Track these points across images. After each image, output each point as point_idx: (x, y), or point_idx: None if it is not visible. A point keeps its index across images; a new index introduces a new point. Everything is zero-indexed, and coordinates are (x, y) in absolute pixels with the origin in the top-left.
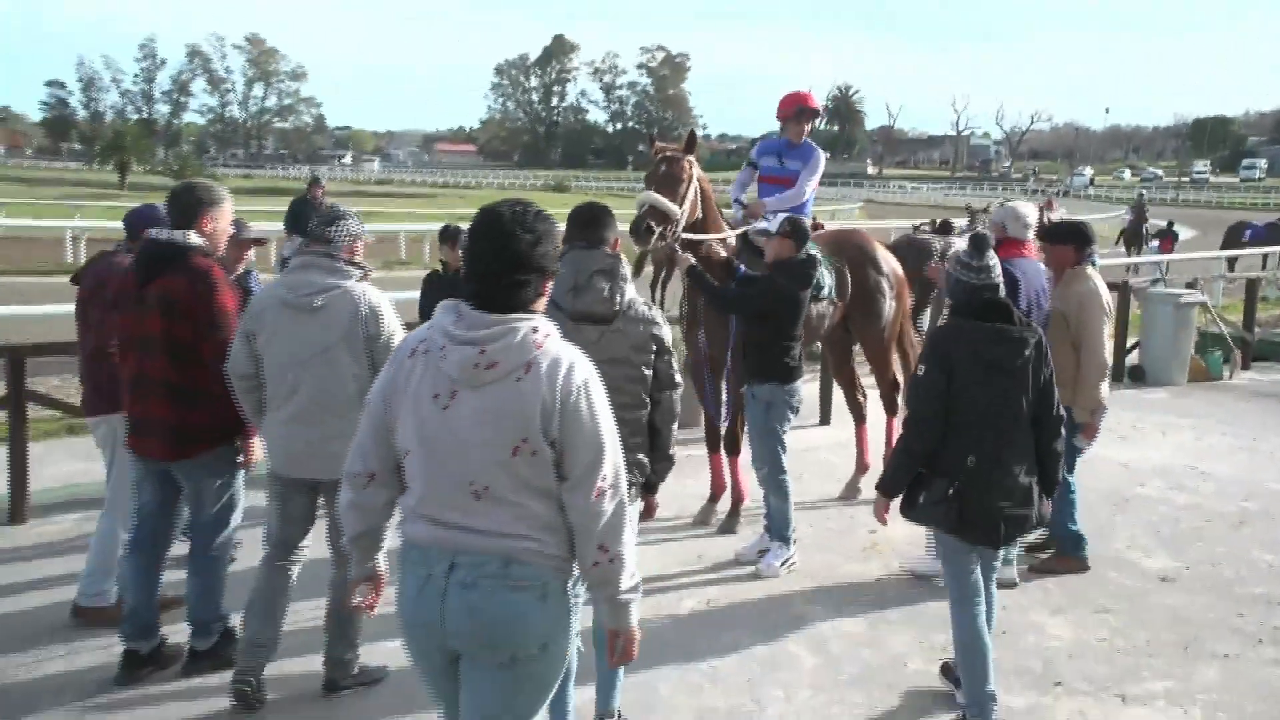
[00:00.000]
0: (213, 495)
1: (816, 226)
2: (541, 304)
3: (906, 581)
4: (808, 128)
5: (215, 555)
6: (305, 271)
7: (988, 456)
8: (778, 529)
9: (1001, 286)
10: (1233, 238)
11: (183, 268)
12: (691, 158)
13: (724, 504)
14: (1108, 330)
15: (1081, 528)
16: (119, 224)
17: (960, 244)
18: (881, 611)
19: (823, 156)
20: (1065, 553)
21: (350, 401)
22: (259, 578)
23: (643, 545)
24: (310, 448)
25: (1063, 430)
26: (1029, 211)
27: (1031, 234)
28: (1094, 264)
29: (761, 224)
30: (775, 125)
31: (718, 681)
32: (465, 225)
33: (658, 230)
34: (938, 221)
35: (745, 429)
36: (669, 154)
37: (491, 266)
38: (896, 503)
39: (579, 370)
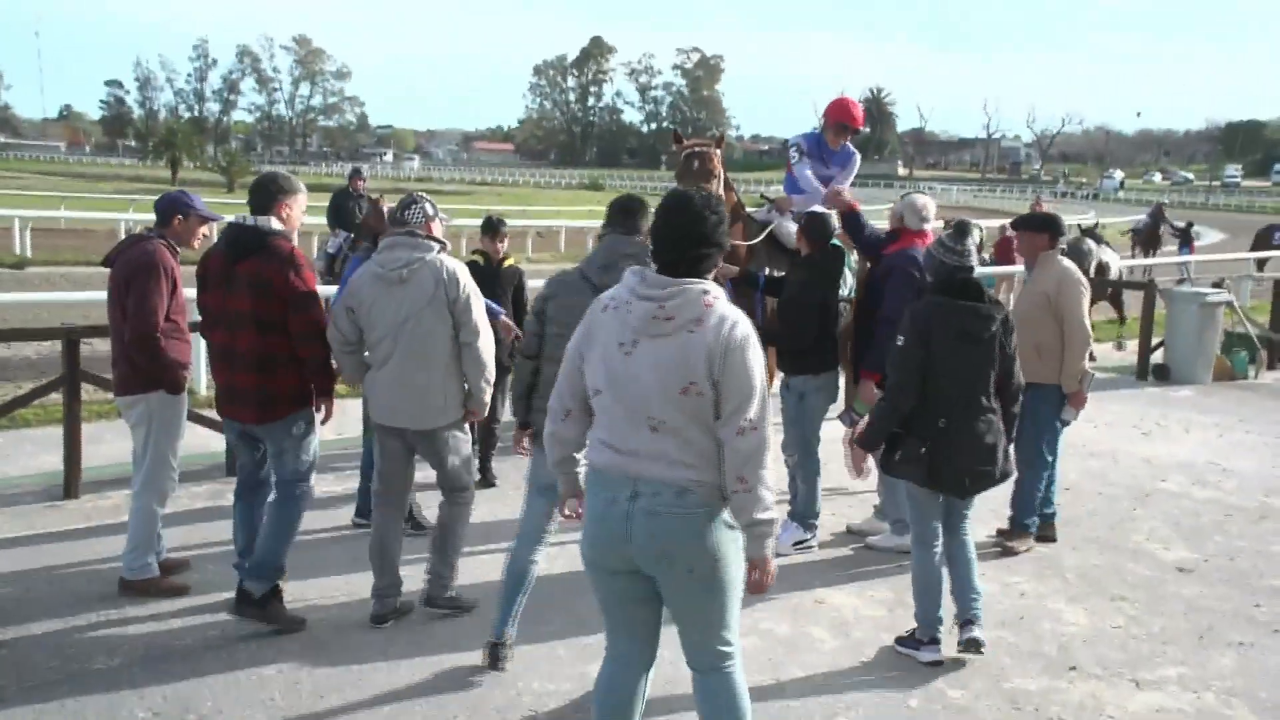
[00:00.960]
0: (293, 453)
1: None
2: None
3: None
4: (846, 140)
5: (291, 507)
6: (392, 250)
7: (957, 419)
8: (802, 513)
9: (976, 269)
10: (1262, 240)
11: (268, 251)
12: (718, 152)
13: None
14: (1085, 303)
15: (1055, 508)
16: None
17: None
18: (901, 597)
19: (858, 158)
20: (1027, 529)
21: (438, 358)
22: (374, 525)
23: None
24: (403, 401)
25: (1021, 398)
26: (926, 204)
27: (929, 225)
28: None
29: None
30: (803, 128)
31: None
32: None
33: None
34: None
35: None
36: (699, 149)
37: (681, 241)
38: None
39: (740, 327)
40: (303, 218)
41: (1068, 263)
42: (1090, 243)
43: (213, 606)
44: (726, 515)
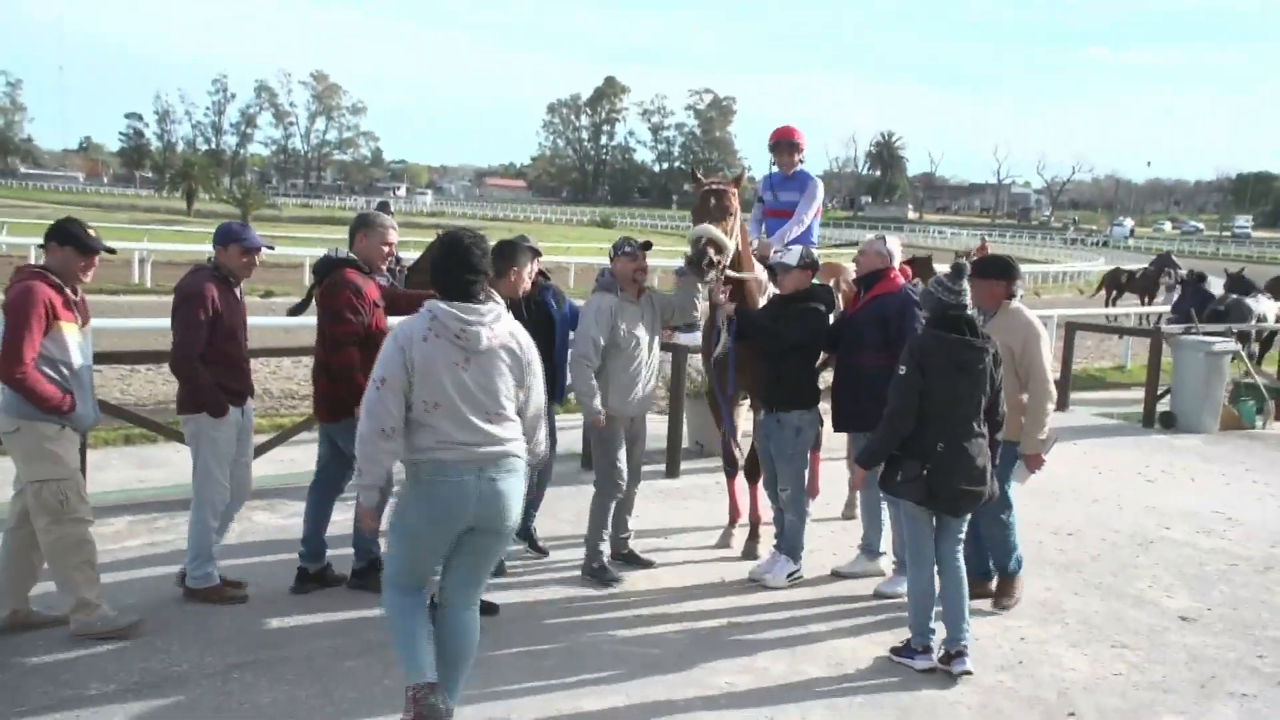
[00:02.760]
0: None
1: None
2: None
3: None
4: (794, 159)
5: None
6: None
7: (953, 443)
8: (790, 546)
9: (967, 305)
10: (1274, 290)
11: (331, 276)
12: (735, 191)
13: (742, 528)
14: (1050, 356)
15: (1015, 559)
16: (183, 246)
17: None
18: (897, 634)
19: (819, 185)
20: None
21: None
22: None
23: (665, 567)
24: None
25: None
26: (893, 246)
27: (895, 262)
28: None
29: (778, 257)
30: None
31: (736, 699)
32: None
33: (719, 263)
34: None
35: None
36: (718, 187)
37: (458, 272)
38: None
39: (528, 338)
40: (384, 248)
41: (1030, 313)
42: (1248, 302)
43: (209, 634)
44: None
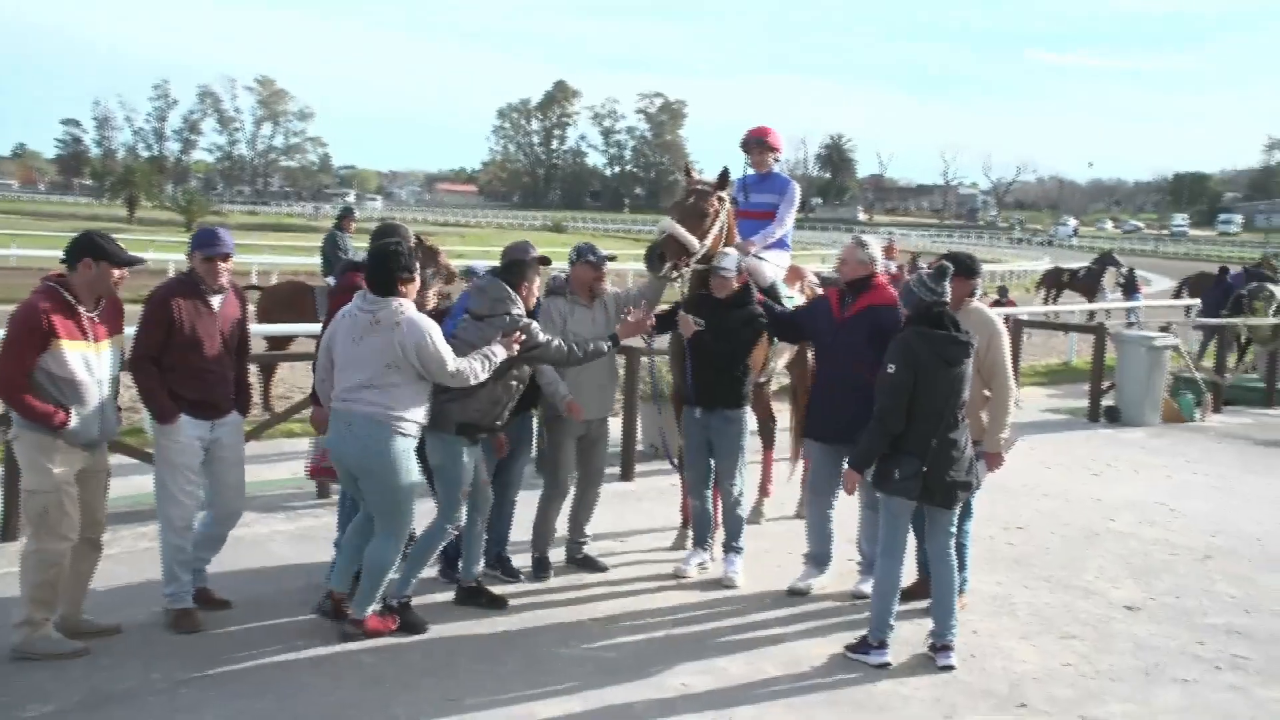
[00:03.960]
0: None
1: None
2: (410, 291)
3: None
4: (767, 158)
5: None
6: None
7: (945, 437)
8: (737, 540)
9: (947, 303)
10: (1198, 286)
11: (342, 278)
12: (723, 194)
13: (688, 533)
14: (1010, 355)
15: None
16: (144, 259)
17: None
18: (853, 631)
19: (796, 187)
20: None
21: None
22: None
23: (620, 568)
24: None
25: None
26: (875, 250)
27: (880, 267)
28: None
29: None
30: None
31: (693, 700)
32: (465, 262)
33: (670, 261)
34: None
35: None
36: (700, 187)
37: (379, 271)
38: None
39: (424, 325)
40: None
41: (991, 312)
42: (1271, 287)
43: (155, 649)
44: (400, 440)
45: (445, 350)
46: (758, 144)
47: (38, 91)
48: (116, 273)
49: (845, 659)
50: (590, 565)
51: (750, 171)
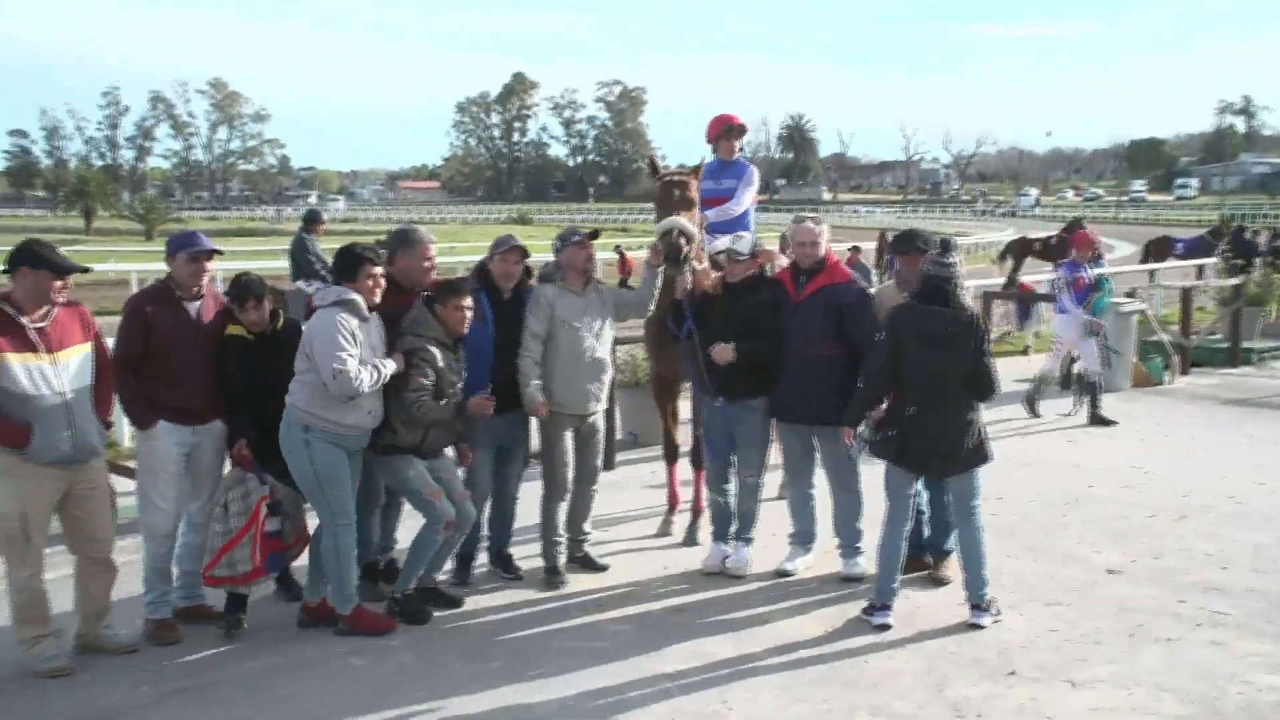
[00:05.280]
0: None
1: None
2: (363, 285)
3: (866, 586)
4: (737, 144)
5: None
6: None
7: (924, 408)
8: (749, 531)
9: (954, 279)
10: (1160, 249)
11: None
12: (695, 181)
13: (681, 514)
14: None
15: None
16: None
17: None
18: (841, 611)
19: (755, 171)
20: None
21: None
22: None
23: (610, 556)
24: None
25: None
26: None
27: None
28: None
29: (722, 243)
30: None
31: (686, 685)
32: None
33: (689, 254)
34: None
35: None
36: (679, 178)
37: (340, 261)
38: None
39: (327, 321)
40: (425, 264)
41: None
42: None
43: (139, 663)
44: (301, 432)
45: (335, 351)
46: (737, 130)
47: None
48: (58, 283)
49: (849, 626)
50: (589, 565)
51: (715, 157)
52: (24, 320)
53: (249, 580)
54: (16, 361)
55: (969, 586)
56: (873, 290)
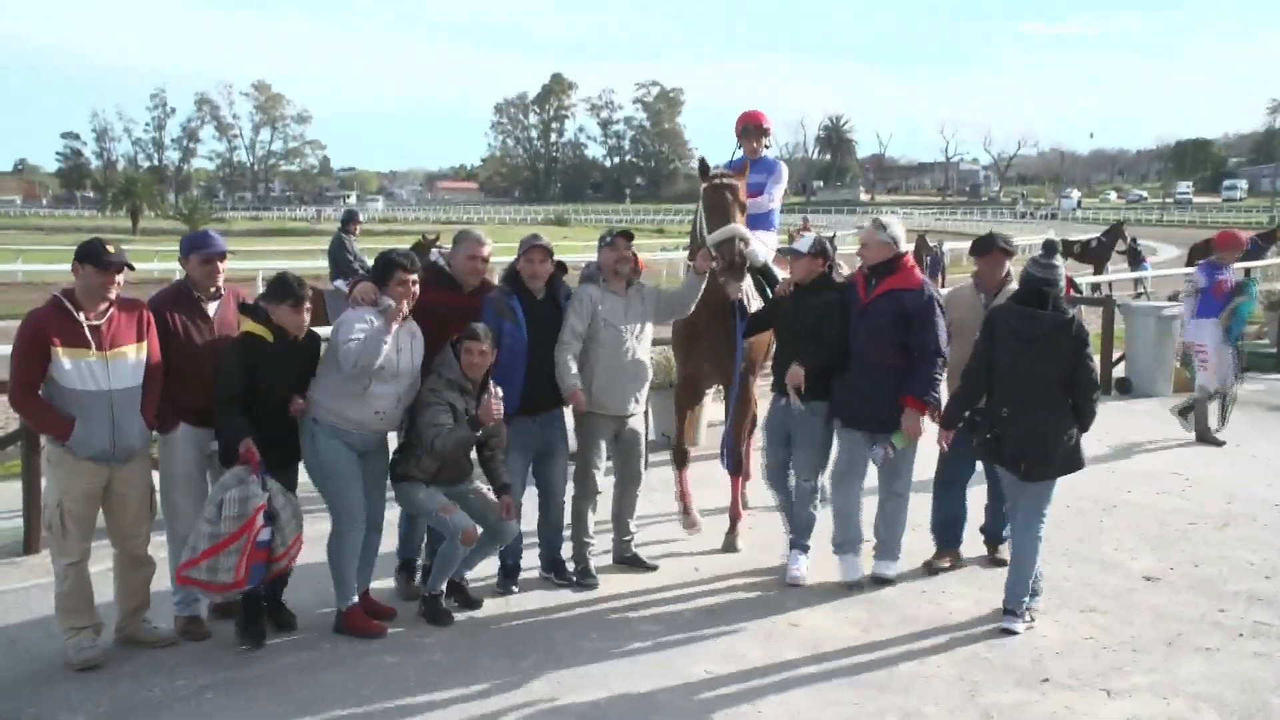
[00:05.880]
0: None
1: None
2: (394, 290)
3: (896, 589)
4: (761, 144)
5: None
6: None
7: (1017, 409)
8: (805, 538)
9: (1056, 282)
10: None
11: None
12: (742, 182)
13: (694, 513)
14: None
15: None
16: (137, 264)
17: None
18: (873, 615)
19: (784, 167)
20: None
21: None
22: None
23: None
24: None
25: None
26: (896, 230)
27: (903, 247)
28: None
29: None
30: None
31: (716, 687)
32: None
33: (748, 261)
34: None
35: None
36: (728, 179)
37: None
38: None
39: (344, 317)
40: (469, 262)
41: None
42: None
43: (179, 656)
44: (311, 425)
45: (344, 340)
46: (755, 130)
47: (37, 107)
48: (106, 278)
49: (864, 636)
50: (638, 564)
51: (739, 155)
52: (80, 316)
53: (224, 590)
54: (67, 356)
55: (1010, 589)
56: (942, 292)
